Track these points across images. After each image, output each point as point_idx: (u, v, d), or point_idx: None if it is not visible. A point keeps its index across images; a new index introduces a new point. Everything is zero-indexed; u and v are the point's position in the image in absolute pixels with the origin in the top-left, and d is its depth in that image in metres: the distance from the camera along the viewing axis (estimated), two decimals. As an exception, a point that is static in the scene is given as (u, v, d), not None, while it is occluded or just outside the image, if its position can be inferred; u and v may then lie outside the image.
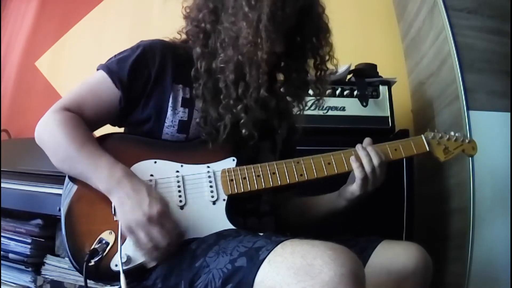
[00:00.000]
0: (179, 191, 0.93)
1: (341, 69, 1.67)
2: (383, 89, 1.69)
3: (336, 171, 1.00)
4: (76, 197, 0.91)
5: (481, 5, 1.62)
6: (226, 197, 0.94)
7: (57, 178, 1.56)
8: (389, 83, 1.71)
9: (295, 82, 1.06)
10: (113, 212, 0.88)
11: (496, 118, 1.52)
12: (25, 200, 1.59)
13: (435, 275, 0.96)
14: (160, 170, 0.94)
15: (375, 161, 0.99)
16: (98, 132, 1.01)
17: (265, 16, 0.89)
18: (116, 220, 0.87)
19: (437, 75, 1.75)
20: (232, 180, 0.95)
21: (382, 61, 1.93)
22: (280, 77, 1.09)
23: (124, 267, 0.83)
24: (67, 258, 1.57)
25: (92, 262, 0.83)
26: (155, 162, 0.94)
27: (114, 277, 0.83)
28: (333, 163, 1.01)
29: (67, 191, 0.93)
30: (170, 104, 0.98)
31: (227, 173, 0.96)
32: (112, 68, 0.97)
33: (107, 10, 2.48)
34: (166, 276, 0.84)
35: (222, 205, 0.93)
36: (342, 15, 1.83)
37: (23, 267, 1.61)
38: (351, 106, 1.66)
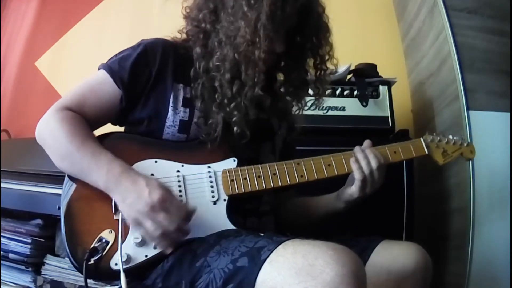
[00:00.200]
0: (180, 191, 0.93)
1: (341, 69, 1.67)
2: (383, 89, 1.69)
3: (336, 172, 1.01)
4: (76, 196, 0.91)
5: (481, 5, 1.62)
6: (226, 198, 0.94)
7: (57, 178, 1.56)
8: (389, 83, 1.71)
9: (295, 81, 1.06)
10: (113, 211, 0.88)
11: (496, 118, 1.52)
12: (25, 200, 1.59)
13: (435, 275, 0.96)
14: (160, 169, 0.94)
15: (374, 164, 0.99)
16: (98, 132, 1.01)
17: (264, 16, 0.89)
18: (116, 219, 0.87)
19: (437, 75, 1.75)
20: (232, 180, 0.95)
21: (382, 61, 1.93)
22: (280, 77, 1.09)
23: (124, 266, 0.83)
24: (67, 258, 1.57)
25: (92, 261, 0.83)
26: (156, 161, 0.94)
27: (114, 276, 0.83)
28: (333, 164, 1.01)
29: (66, 190, 0.93)
30: (171, 103, 0.98)
31: (227, 174, 0.96)
32: (114, 68, 0.97)
33: (107, 10, 2.48)
34: (166, 276, 0.84)
35: (222, 205, 0.93)
36: (342, 15, 1.83)
37: (23, 267, 1.61)
38: (351, 106, 1.66)
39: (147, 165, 0.94)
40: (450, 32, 1.60)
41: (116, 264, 0.84)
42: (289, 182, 0.97)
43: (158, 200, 0.82)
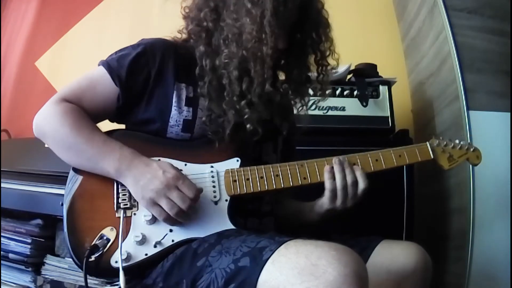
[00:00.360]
0: (182, 190, 0.93)
1: (341, 69, 1.67)
2: (383, 89, 1.69)
3: None
4: (79, 193, 0.92)
5: (481, 5, 1.62)
6: (228, 198, 0.94)
7: (57, 178, 1.56)
8: (389, 83, 1.71)
9: (297, 78, 1.06)
10: (115, 208, 0.89)
11: (496, 118, 1.52)
12: (25, 200, 1.59)
13: (435, 275, 0.97)
14: None
15: (349, 179, 0.97)
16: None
17: (269, 12, 0.89)
18: (118, 217, 0.87)
19: (437, 75, 1.75)
20: (235, 180, 0.95)
21: (382, 61, 1.93)
22: (281, 75, 1.09)
23: (124, 264, 0.84)
24: (67, 258, 1.59)
25: (93, 258, 0.84)
26: (159, 160, 0.94)
27: (114, 273, 0.84)
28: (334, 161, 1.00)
29: (70, 187, 0.93)
30: (174, 103, 0.98)
31: (230, 174, 0.96)
32: (112, 65, 0.97)
33: (107, 10, 2.48)
34: (166, 275, 0.84)
35: (224, 205, 0.93)
36: (342, 15, 1.83)
37: (23, 267, 1.61)
38: (351, 106, 1.66)
39: None
40: (450, 32, 1.60)
41: (116, 262, 0.84)
42: (292, 184, 0.97)
43: (172, 178, 0.86)
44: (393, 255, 0.94)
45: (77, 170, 0.95)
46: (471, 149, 1.11)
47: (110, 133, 0.98)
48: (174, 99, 0.98)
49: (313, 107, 1.53)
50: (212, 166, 0.96)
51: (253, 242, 0.77)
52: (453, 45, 1.58)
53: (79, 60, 2.33)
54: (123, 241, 0.86)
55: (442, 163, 1.08)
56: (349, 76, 1.77)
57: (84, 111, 0.96)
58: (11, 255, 1.61)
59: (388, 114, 1.66)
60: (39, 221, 1.65)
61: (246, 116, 0.95)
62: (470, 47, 1.58)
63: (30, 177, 1.63)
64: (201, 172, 0.95)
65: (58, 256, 1.63)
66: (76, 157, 0.93)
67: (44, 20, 2.51)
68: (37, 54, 2.46)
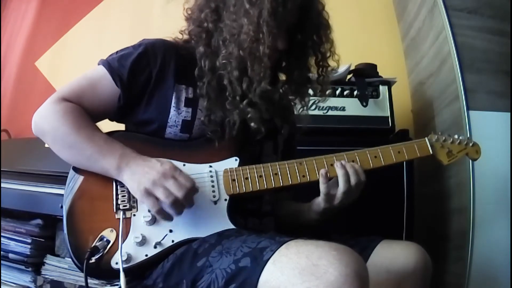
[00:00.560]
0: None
1: (341, 69, 1.67)
2: (383, 89, 1.69)
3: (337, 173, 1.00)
4: (78, 195, 0.92)
5: (481, 5, 1.62)
6: (227, 197, 0.94)
7: (57, 178, 1.56)
8: (389, 83, 1.71)
9: (297, 79, 1.06)
10: (114, 210, 0.89)
11: (496, 118, 1.52)
12: (25, 200, 1.59)
13: (435, 275, 0.97)
14: None
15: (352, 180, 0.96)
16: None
17: (266, 12, 0.90)
18: (118, 218, 0.87)
19: (437, 75, 1.75)
20: (234, 180, 0.95)
21: (382, 61, 1.93)
22: (282, 77, 1.09)
23: (125, 265, 0.84)
24: (67, 258, 1.59)
25: (93, 260, 0.84)
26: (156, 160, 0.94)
27: (114, 275, 0.84)
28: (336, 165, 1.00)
29: (70, 188, 0.93)
30: (173, 104, 0.98)
31: (229, 173, 0.96)
32: (113, 65, 0.97)
33: (107, 10, 2.48)
34: (167, 275, 0.84)
35: (223, 205, 0.93)
36: (342, 15, 1.83)
37: (23, 267, 1.61)
38: (351, 106, 1.66)
39: None
40: (450, 32, 1.60)
41: (116, 263, 0.84)
42: (290, 182, 0.97)
43: (169, 168, 0.86)
44: (393, 255, 0.94)
45: (77, 170, 0.95)
46: (470, 144, 1.10)
47: (109, 134, 0.97)
48: (173, 100, 0.98)
49: (313, 107, 1.53)
50: (210, 166, 0.96)
51: (254, 242, 0.77)
52: (453, 45, 1.58)
53: (79, 60, 2.33)
54: (123, 242, 0.86)
55: (441, 158, 1.08)
56: (349, 76, 1.77)
57: (85, 111, 0.96)
58: (11, 255, 1.61)
59: (388, 114, 1.67)
60: (39, 221, 1.65)
61: (249, 116, 0.95)
62: (470, 47, 1.58)
63: (30, 177, 1.63)
64: (200, 172, 0.95)
65: (58, 256, 1.63)
66: (76, 156, 0.93)
67: (44, 20, 2.51)
68: (37, 54, 2.46)
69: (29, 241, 1.62)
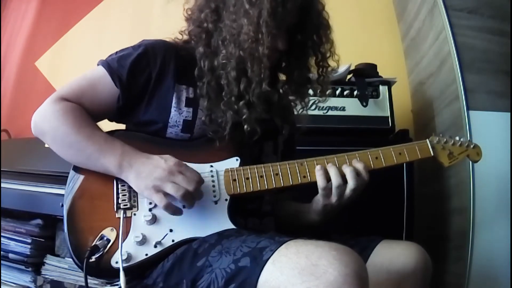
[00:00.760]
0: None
1: (341, 69, 1.67)
2: (383, 89, 1.69)
3: None
4: (79, 194, 0.92)
5: (481, 5, 1.62)
6: (228, 197, 0.94)
7: (57, 178, 1.56)
8: (389, 83, 1.71)
9: (297, 79, 1.06)
10: (115, 209, 0.89)
11: (496, 118, 1.52)
12: (25, 200, 1.59)
13: (435, 275, 0.96)
14: None
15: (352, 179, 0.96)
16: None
17: (266, 12, 0.90)
18: (118, 217, 0.87)
19: (437, 75, 1.75)
20: (235, 180, 0.95)
21: (382, 61, 1.93)
22: (282, 77, 1.09)
23: (125, 265, 0.84)
24: (67, 258, 1.59)
25: (93, 259, 0.84)
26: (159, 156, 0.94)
27: (114, 274, 0.84)
28: (337, 165, 1.00)
29: (70, 187, 0.93)
30: (173, 104, 0.98)
31: (230, 173, 0.96)
32: (112, 66, 0.97)
33: (107, 10, 2.48)
34: (167, 275, 0.84)
35: (224, 205, 0.93)
36: (342, 15, 1.83)
37: (23, 267, 1.61)
38: (351, 106, 1.66)
39: None
40: (450, 32, 1.60)
41: (116, 262, 0.84)
42: (291, 183, 0.97)
43: (175, 164, 0.87)
44: (393, 255, 0.94)
45: (77, 170, 0.95)
46: (471, 146, 1.10)
47: (110, 134, 0.97)
48: (174, 101, 0.98)
49: (313, 107, 1.54)
50: (211, 166, 0.96)
51: (253, 242, 0.77)
52: (453, 45, 1.58)
53: (79, 60, 2.33)
54: (124, 241, 0.86)
55: (442, 160, 1.07)
56: (349, 76, 1.77)
57: (85, 110, 0.96)
58: (11, 255, 1.61)
59: (388, 114, 1.67)
60: (39, 221, 1.65)
61: (244, 117, 0.95)
62: (470, 47, 1.58)
63: (30, 177, 1.63)
64: (201, 172, 0.95)
65: (58, 256, 1.63)
66: (76, 155, 0.93)
67: (44, 20, 2.51)
68: (37, 54, 2.46)
69: (29, 241, 1.62)
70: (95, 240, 0.86)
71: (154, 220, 0.89)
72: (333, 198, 0.96)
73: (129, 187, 0.91)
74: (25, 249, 1.61)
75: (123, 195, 0.91)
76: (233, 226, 0.91)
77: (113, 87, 0.96)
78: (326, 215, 1.02)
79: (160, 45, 1.00)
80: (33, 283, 1.60)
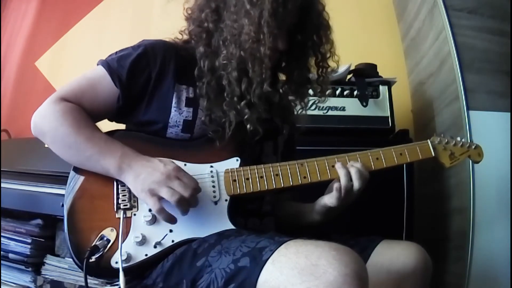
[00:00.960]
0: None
1: (341, 69, 1.67)
2: (383, 89, 1.69)
3: None
4: (79, 194, 0.92)
5: (481, 5, 1.62)
6: (228, 198, 0.94)
7: (57, 178, 1.56)
8: (389, 83, 1.71)
9: (297, 79, 1.06)
10: (115, 209, 0.89)
11: (496, 118, 1.52)
12: (25, 200, 1.59)
13: (435, 275, 0.96)
14: None
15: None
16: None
17: (267, 12, 0.90)
18: (118, 218, 0.88)
19: (437, 75, 1.75)
20: (235, 180, 0.95)
21: (382, 61, 1.93)
22: (282, 77, 1.09)
23: (124, 265, 0.84)
24: (67, 258, 1.59)
25: (93, 259, 0.84)
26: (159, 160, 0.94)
27: (114, 274, 0.84)
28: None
29: (71, 187, 0.93)
30: (173, 104, 0.98)
31: (230, 173, 0.96)
32: (112, 66, 0.97)
33: (107, 10, 2.48)
34: (166, 275, 0.84)
35: (224, 205, 0.93)
36: (342, 15, 1.83)
37: (23, 267, 1.61)
38: (351, 106, 1.66)
39: None
40: (450, 32, 1.60)
41: (116, 263, 0.84)
42: (292, 184, 0.97)
43: (173, 169, 0.87)
44: (393, 255, 0.94)
45: (77, 170, 0.95)
46: (473, 147, 1.10)
47: (110, 134, 0.98)
48: (174, 101, 0.98)
49: (313, 107, 1.54)
50: (211, 166, 0.96)
51: (253, 242, 0.77)
52: (453, 45, 1.58)
53: (79, 60, 2.33)
54: (123, 241, 0.86)
55: (443, 161, 1.07)
56: (349, 76, 1.77)
57: (84, 111, 0.96)
58: (11, 255, 1.61)
59: (388, 114, 1.67)
60: (39, 221, 1.65)
61: (246, 117, 0.95)
62: (470, 47, 1.59)
63: (30, 177, 1.63)
64: (201, 172, 0.95)
65: (58, 256, 1.63)
66: (76, 156, 0.93)
67: (44, 20, 2.51)
68: (37, 54, 2.46)
69: (29, 241, 1.62)
70: (95, 240, 0.86)
71: (154, 220, 0.89)
72: (344, 200, 0.97)
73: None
74: (25, 249, 1.61)
75: (123, 196, 0.91)
76: (232, 227, 0.91)
77: (113, 87, 0.96)
78: (328, 216, 1.02)
79: (160, 45, 1.00)
80: (33, 283, 1.60)
